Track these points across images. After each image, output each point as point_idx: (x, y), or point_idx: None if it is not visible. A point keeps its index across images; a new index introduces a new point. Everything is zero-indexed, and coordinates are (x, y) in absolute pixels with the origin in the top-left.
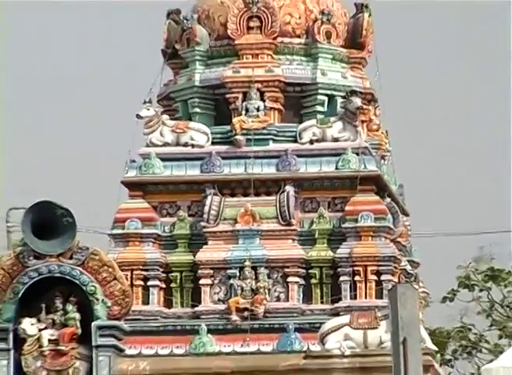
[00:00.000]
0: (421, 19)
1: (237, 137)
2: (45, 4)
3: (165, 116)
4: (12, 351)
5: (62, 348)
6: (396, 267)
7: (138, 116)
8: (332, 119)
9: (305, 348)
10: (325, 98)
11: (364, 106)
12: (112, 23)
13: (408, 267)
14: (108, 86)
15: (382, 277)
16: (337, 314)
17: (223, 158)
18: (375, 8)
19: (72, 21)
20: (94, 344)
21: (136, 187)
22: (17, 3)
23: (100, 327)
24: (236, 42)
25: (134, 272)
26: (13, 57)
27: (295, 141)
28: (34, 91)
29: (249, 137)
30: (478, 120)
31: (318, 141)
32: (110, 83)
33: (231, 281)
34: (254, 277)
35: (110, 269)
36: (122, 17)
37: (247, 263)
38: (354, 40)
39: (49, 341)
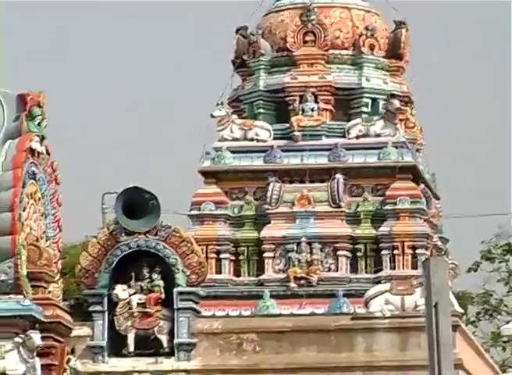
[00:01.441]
0: (447, 29)
1: (295, 133)
2: (132, 11)
3: (235, 116)
4: (106, 313)
5: (149, 310)
6: (428, 243)
7: (212, 116)
8: (375, 118)
9: (352, 311)
10: (369, 101)
11: (402, 107)
12: (191, 37)
13: (439, 243)
14: (188, 91)
15: (417, 251)
16: (379, 282)
17: (283, 150)
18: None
19: (160, 33)
20: (175, 307)
21: (210, 175)
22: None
23: (180, 293)
24: (294, 53)
25: (209, 246)
26: (103, 64)
27: (344, 137)
28: (129, 93)
29: (305, 133)
30: (495, 113)
31: (363, 136)
32: (189, 88)
33: (289, 254)
34: (308, 251)
35: (188, 244)
36: (198, 32)
37: (303, 239)
38: (394, 51)
39: (138, 304)
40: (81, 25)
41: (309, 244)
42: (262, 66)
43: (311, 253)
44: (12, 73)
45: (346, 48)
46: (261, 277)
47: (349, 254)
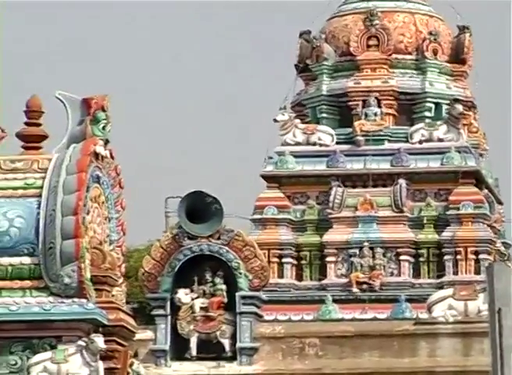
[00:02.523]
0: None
1: (358, 137)
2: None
3: (297, 120)
4: (169, 317)
5: (211, 314)
6: (491, 248)
7: (275, 120)
8: (438, 122)
9: (415, 316)
10: (433, 105)
11: (465, 112)
12: (255, 42)
13: (502, 248)
14: (251, 95)
15: (480, 256)
16: (442, 287)
17: (346, 155)
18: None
19: (223, 37)
20: (237, 311)
21: (272, 180)
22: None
23: (243, 297)
24: (357, 58)
25: (271, 251)
26: (168, 71)
27: (406, 141)
28: (192, 98)
29: (367, 137)
30: None
31: (426, 141)
32: (252, 92)
33: (352, 259)
34: (371, 256)
35: (251, 249)
36: (262, 37)
37: (366, 244)
38: (457, 56)
39: (200, 308)
40: (150, 28)
41: (371, 248)
42: (325, 71)
43: (374, 258)
44: (74, 77)
45: (409, 53)
46: (323, 282)
47: (411, 259)
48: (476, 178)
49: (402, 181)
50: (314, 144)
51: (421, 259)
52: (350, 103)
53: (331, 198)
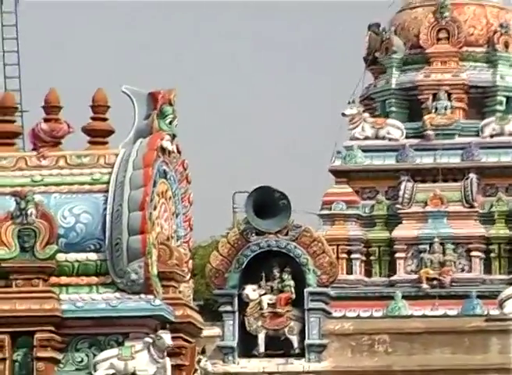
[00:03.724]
0: None
1: (428, 131)
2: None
3: (366, 114)
4: (236, 313)
5: (279, 310)
6: None
7: (343, 114)
8: (510, 116)
9: (486, 313)
10: (504, 99)
11: None
12: (322, 35)
13: None
14: (319, 89)
15: None
16: None
17: (415, 149)
18: None
19: (292, 30)
20: (306, 307)
21: (341, 174)
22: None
23: (311, 293)
24: (427, 51)
25: (340, 246)
26: (233, 62)
27: (477, 135)
28: (260, 90)
29: (438, 131)
30: None
31: (497, 135)
32: (320, 86)
33: (422, 255)
34: (441, 252)
35: (319, 244)
36: (330, 29)
37: (436, 240)
38: None
39: (268, 304)
40: (205, 26)
41: (442, 244)
42: (395, 64)
43: (444, 254)
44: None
45: (480, 46)
46: (393, 278)
47: (482, 255)
48: None
49: (473, 176)
50: (383, 138)
51: (492, 255)
52: (420, 97)
53: (400, 193)
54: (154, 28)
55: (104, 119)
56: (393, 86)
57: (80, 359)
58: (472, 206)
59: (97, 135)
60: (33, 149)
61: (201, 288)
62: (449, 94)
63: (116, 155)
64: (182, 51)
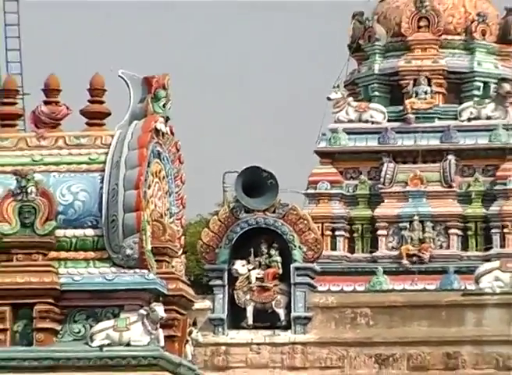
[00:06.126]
0: None
1: (408, 115)
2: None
3: (350, 98)
4: (226, 287)
5: (267, 284)
6: None
7: (329, 99)
8: (486, 101)
9: (463, 287)
10: (481, 84)
11: None
12: (308, 23)
13: None
14: (305, 74)
15: None
16: (489, 260)
17: (397, 132)
18: None
19: (278, 18)
20: (292, 281)
21: (326, 156)
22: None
23: (297, 268)
24: (408, 38)
25: (324, 224)
26: (226, 53)
27: (455, 119)
28: (247, 77)
29: (418, 115)
30: None
31: (474, 118)
32: (306, 72)
33: (402, 232)
34: (421, 229)
35: (305, 222)
36: (316, 18)
37: (416, 218)
38: (505, 37)
39: (256, 278)
40: (218, 22)
41: (421, 222)
42: (377, 51)
43: (424, 231)
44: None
45: (458, 34)
46: (375, 254)
47: (460, 232)
48: None
49: (451, 157)
50: (367, 121)
51: (469, 233)
52: (401, 82)
53: (382, 174)
54: (144, 15)
55: (101, 102)
56: (376, 72)
57: (77, 330)
58: (450, 186)
59: (95, 117)
60: (37, 128)
61: (192, 264)
62: (429, 80)
63: (112, 136)
64: (173, 35)
